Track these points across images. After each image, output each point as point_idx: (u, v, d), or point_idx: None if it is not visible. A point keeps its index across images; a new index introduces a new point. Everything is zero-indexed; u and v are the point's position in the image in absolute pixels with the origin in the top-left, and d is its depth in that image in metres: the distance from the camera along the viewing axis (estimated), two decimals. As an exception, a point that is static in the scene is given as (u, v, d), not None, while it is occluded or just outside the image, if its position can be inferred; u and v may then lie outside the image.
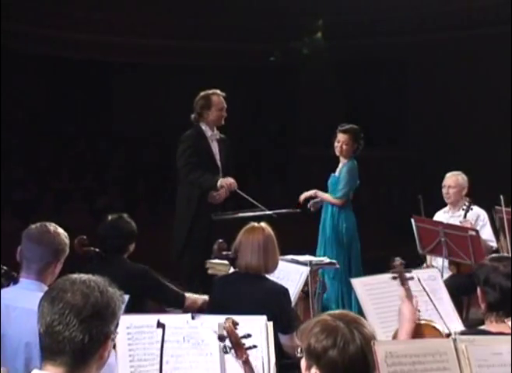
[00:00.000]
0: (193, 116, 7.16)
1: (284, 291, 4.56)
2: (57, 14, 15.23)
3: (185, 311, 5.42)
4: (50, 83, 16.17)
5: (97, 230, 5.12)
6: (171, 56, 16.33)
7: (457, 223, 6.84)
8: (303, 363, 2.54)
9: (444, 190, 7.08)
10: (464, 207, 6.88)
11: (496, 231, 7.20)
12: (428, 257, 7.17)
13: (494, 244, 6.95)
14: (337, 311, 2.64)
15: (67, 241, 3.89)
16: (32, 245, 3.81)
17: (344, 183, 7.28)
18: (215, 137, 7.16)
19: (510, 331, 3.26)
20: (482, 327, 3.48)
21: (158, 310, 5.14)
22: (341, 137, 7.31)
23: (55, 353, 2.22)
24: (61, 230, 3.91)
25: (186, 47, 16.26)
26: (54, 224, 3.93)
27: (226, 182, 6.88)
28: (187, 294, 5.20)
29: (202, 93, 7.16)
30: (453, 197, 7.03)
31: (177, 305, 5.16)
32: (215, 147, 7.15)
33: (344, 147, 7.28)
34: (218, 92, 7.16)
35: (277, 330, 4.44)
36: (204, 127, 7.11)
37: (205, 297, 5.17)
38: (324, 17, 16.34)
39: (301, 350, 2.57)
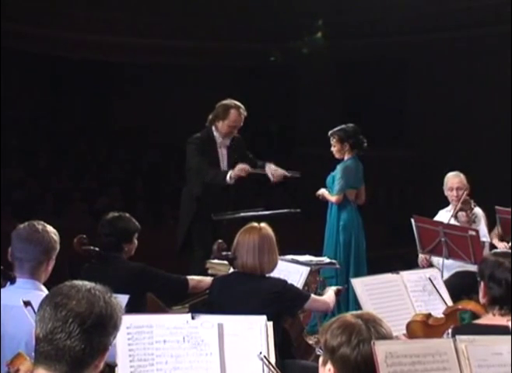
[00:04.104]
0: (209, 117, 7.02)
1: (283, 284, 4.55)
2: (57, 14, 15.23)
3: (191, 293, 5.42)
4: (50, 83, 16.17)
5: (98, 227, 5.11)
6: (171, 56, 16.33)
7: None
8: (321, 358, 2.56)
9: (453, 193, 6.98)
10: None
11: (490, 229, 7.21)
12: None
13: (485, 239, 6.95)
14: (359, 311, 2.65)
15: (56, 238, 3.87)
16: (22, 245, 3.80)
17: (337, 180, 7.35)
18: (224, 144, 7.04)
19: (508, 324, 3.30)
20: (478, 321, 3.50)
21: (158, 310, 5.12)
22: (331, 141, 7.45)
23: (52, 360, 2.17)
24: (49, 228, 3.89)
25: (186, 47, 16.26)
26: (42, 223, 3.91)
27: (237, 172, 6.80)
28: (190, 277, 5.17)
29: (226, 101, 6.97)
30: (461, 199, 6.99)
31: (182, 289, 5.12)
32: (222, 153, 7.04)
33: (333, 149, 7.42)
34: (241, 108, 6.94)
35: (297, 308, 4.76)
36: (215, 132, 7.00)
37: (209, 278, 5.16)
38: (324, 17, 16.35)
39: (320, 347, 2.58)
